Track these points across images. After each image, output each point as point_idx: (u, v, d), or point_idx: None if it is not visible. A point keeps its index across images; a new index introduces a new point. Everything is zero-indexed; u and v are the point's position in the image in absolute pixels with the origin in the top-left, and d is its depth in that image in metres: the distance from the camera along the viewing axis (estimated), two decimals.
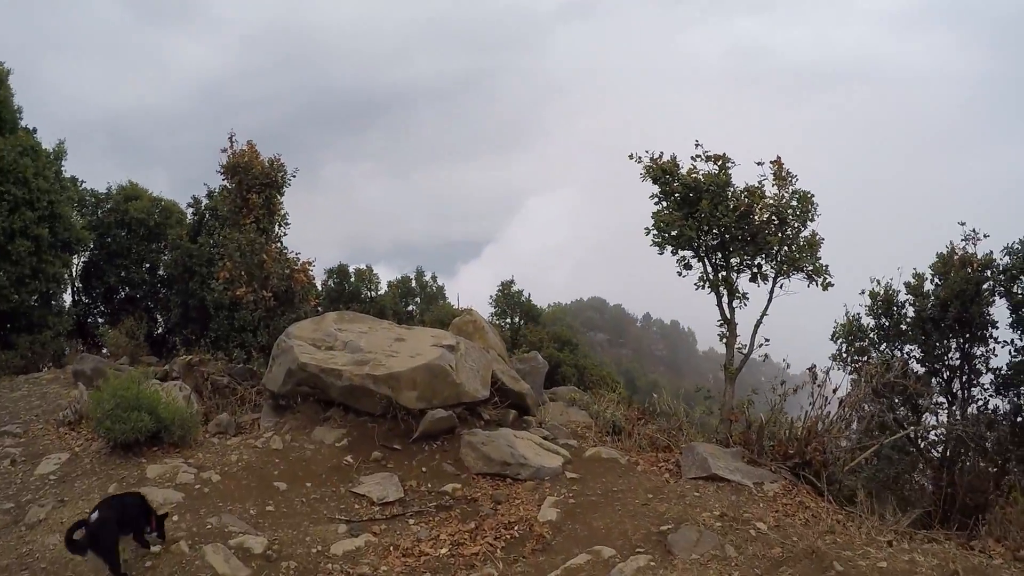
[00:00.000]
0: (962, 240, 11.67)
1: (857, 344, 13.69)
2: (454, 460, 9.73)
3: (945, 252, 11.95)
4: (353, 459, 9.67)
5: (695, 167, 10.83)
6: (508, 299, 42.32)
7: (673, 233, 10.64)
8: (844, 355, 13.95)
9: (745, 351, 10.80)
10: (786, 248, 10.51)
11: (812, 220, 10.55)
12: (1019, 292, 11.25)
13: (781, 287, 10.74)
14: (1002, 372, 11.32)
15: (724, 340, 10.83)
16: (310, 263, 17.31)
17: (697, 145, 10.77)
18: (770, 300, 10.75)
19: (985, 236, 11.41)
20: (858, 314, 13.70)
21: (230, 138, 16.43)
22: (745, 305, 10.80)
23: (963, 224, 11.60)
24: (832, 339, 14.06)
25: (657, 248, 11.09)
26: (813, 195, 10.50)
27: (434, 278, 48.44)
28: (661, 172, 10.74)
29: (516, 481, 9.24)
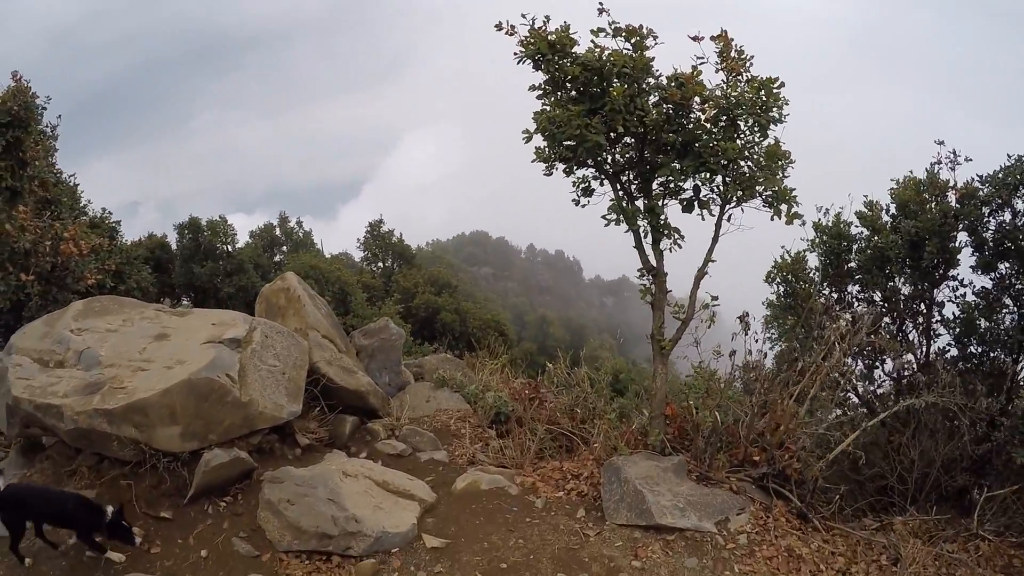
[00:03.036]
0: (937, 164, 8.76)
1: (799, 286, 10.86)
2: (251, 529, 6.01)
3: (908, 178, 9.12)
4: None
5: (597, 45, 7.20)
6: (378, 241, 38.03)
7: (566, 142, 7.04)
8: (782, 300, 11.13)
9: (681, 313, 7.46)
10: (740, 163, 7.18)
11: (778, 122, 7.18)
12: (990, 227, 8.65)
13: (729, 219, 7.42)
14: (958, 318, 8.77)
15: (649, 298, 7.46)
16: (85, 224, 12.61)
17: (601, 11, 7.11)
18: (716, 239, 7.41)
19: (967, 160, 8.55)
20: (802, 251, 10.85)
21: None
22: (680, 247, 7.40)
23: (941, 144, 8.66)
24: (767, 280, 11.15)
25: (543, 165, 7.50)
26: (780, 82, 7.10)
27: (299, 223, 43.34)
28: (548, 48, 7.04)
29: (345, 559, 5.65)
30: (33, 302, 11.03)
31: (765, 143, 7.18)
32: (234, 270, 32.40)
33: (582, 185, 7.63)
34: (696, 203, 7.43)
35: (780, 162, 7.20)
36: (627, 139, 7.40)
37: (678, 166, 7.12)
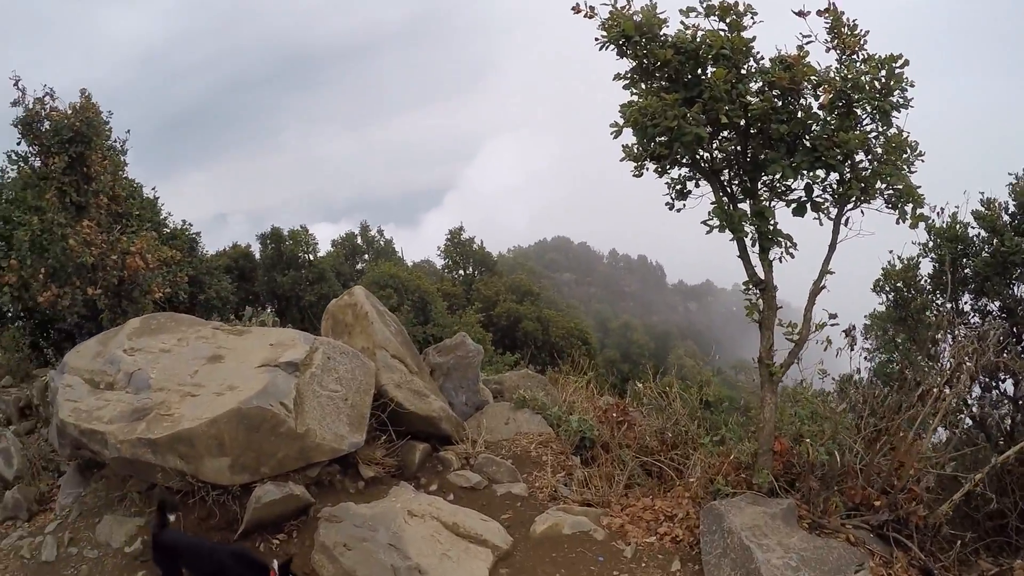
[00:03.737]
0: None
1: (909, 295, 9.64)
2: (304, 573, 5.38)
3: None
4: None
5: (688, 25, 6.27)
6: (458, 248, 37.73)
7: (660, 137, 6.12)
8: (890, 311, 9.91)
9: (795, 334, 6.36)
10: (861, 156, 6.08)
11: (902, 108, 6.03)
12: None
13: (847, 223, 6.31)
14: None
15: (756, 315, 6.41)
16: (155, 237, 12.46)
17: None
18: (833, 246, 6.30)
19: None
20: (914, 257, 9.64)
21: (15, 83, 11.29)
22: (792, 256, 6.32)
23: None
24: (876, 289, 9.97)
25: (632, 165, 6.60)
26: (903, 60, 5.97)
27: (380, 232, 43.68)
28: (634, 30, 6.14)
29: None
30: (104, 315, 10.94)
31: (889, 132, 6.08)
32: (316, 278, 32.72)
33: (677, 186, 6.71)
34: (808, 205, 6.41)
35: (905, 155, 6.09)
36: (725, 133, 6.43)
37: (788, 162, 6.10)
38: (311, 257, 36.54)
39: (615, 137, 6.31)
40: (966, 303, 9.13)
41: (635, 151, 6.46)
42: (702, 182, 6.72)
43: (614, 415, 8.83)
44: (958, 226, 8.87)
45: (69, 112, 11.38)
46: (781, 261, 6.46)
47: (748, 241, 6.40)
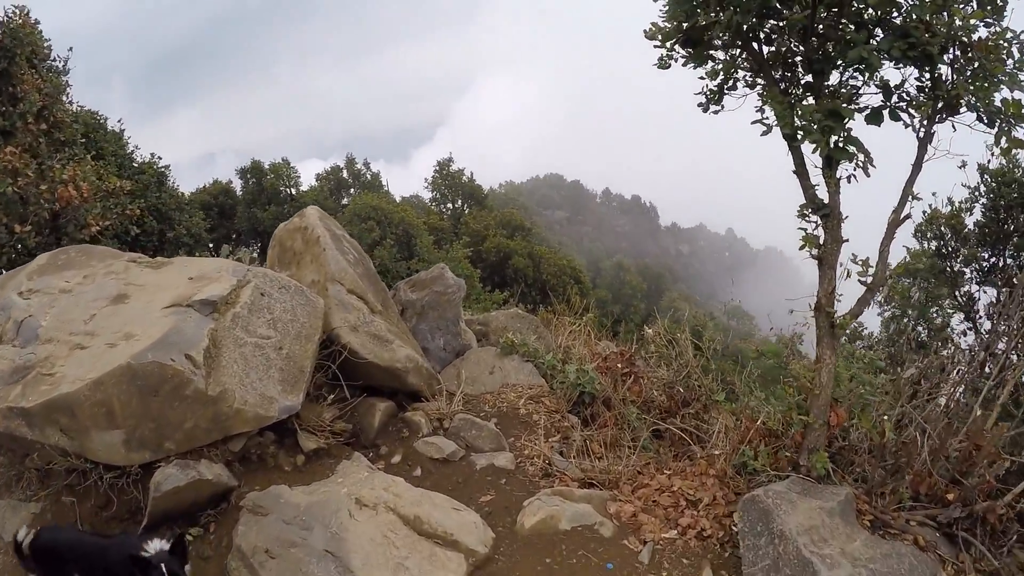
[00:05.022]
0: None
1: (952, 245, 8.31)
2: None
3: None
4: None
5: None
6: (447, 180, 35.87)
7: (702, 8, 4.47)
8: (932, 260, 8.57)
9: (867, 275, 4.85)
10: (957, 53, 4.51)
11: None
12: None
13: (932, 137, 4.74)
14: None
15: (816, 251, 4.88)
16: (94, 165, 10.83)
17: None
18: (919, 165, 4.75)
19: None
20: (960, 203, 8.25)
21: None
22: (868, 174, 4.76)
23: None
24: (917, 235, 8.58)
25: (659, 54, 5.00)
26: None
27: (367, 165, 41.71)
28: None
29: None
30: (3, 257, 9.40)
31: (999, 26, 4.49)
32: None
33: (716, 79, 5.11)
34: (889, 110, 4.84)
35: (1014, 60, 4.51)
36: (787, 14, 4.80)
37: (873, 48, 4.50)
38: (293, 191, 34.78)
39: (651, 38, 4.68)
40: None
41: (665, 29, 4.85)
42: (748, 77, 5.15)
43: (619, 366, 7.46)
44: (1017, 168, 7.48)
45: None
46: (850, 181, 4.95)
47: (814, 150, 4.85)
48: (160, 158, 19.74)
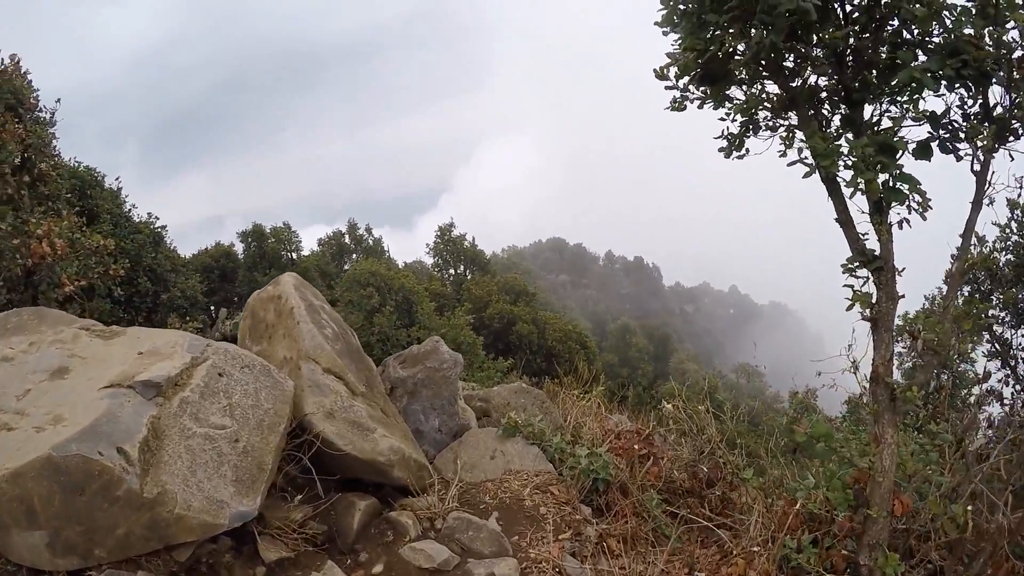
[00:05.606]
0: None
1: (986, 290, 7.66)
2: None
3: None
4: None
5: None
6: (448, 246, 35.50)
7: (723, 27, 3.87)
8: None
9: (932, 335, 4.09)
10: (1011, 71, 3.93)
11: None
12: None
13: (988, 169, 4.11)
14: None
15: (869, 311, 4.12)
16: (74, 221, 10.26)
17: None
18: (979, 203, 4.08)
19: None
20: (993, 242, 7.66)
21: None
22: (924, 217, 4.08)
23: None
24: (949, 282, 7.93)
25: (671, 96, 4.40)
26: None
27: (368, 230, 41.56)
28: None
29: None
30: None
31: None
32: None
33: (741, 118, 4.49)
34: (939, 143, 4.22)
35: None
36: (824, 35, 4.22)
37: (922, 69, 3.88)
38: (294, 256, 34.45)
39: (664, 29, 4.09)
40: None
41: (681, 61, 4.24)
42: (768, 120, 4.54)
43: (636, 447, 6.64)
44: None
45: None
46: (901, 227, 4.27)
47: (849, 191, 4.19)
48: (157, 218, 19.42)
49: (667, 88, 4.55)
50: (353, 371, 5.40)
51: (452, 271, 35.74)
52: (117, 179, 18.59)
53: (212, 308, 26.85)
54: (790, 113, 4.56)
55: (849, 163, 4.01)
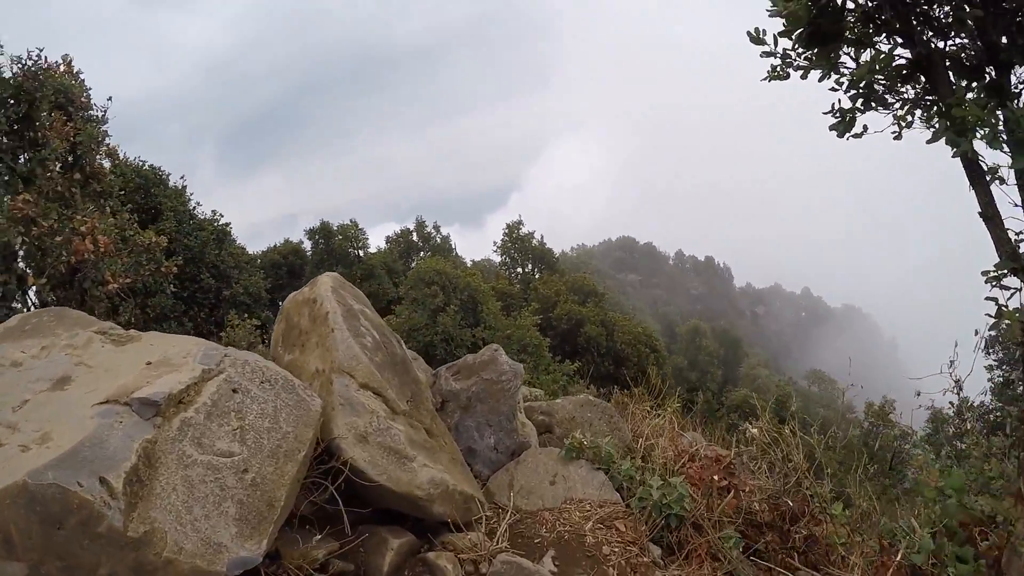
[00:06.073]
0: None
1: None
2: None
3: None
4: None
5: None
6: (516, 244, 34.86)
7: None
8: None
9: None
10: None
11: None
12: None
13: None
14: None
15: (1022, 332, 3.31)
16: (103, 221, 10.10)
17: None
18: None
19: None
20: None
21: None
22: None
23: None
24: None
25: (787, 36, 3.60)
26: None
27: (437, 228, 41.36)
28: None
29: None
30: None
31: None
32: (364, 275, 30.44)
33: (864, 85, 3.63)
34: None
35: None
36: None
37: None
38: (361, 253, 34.44)
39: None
40: None
41: (790, 13, 3.41)
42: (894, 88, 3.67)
43: (716, 478, 5.80)
44: None
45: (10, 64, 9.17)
46: None
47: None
48: (221, 215, 19.50)
49: (763, 55, 3.75)
50: (395, 386, 4.75)
51: (520, 269, 35.11)
52: (182, 177, 18.77)
53: (280, 304, 27.05)
54: (905, 86, 3.71)
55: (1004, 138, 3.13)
